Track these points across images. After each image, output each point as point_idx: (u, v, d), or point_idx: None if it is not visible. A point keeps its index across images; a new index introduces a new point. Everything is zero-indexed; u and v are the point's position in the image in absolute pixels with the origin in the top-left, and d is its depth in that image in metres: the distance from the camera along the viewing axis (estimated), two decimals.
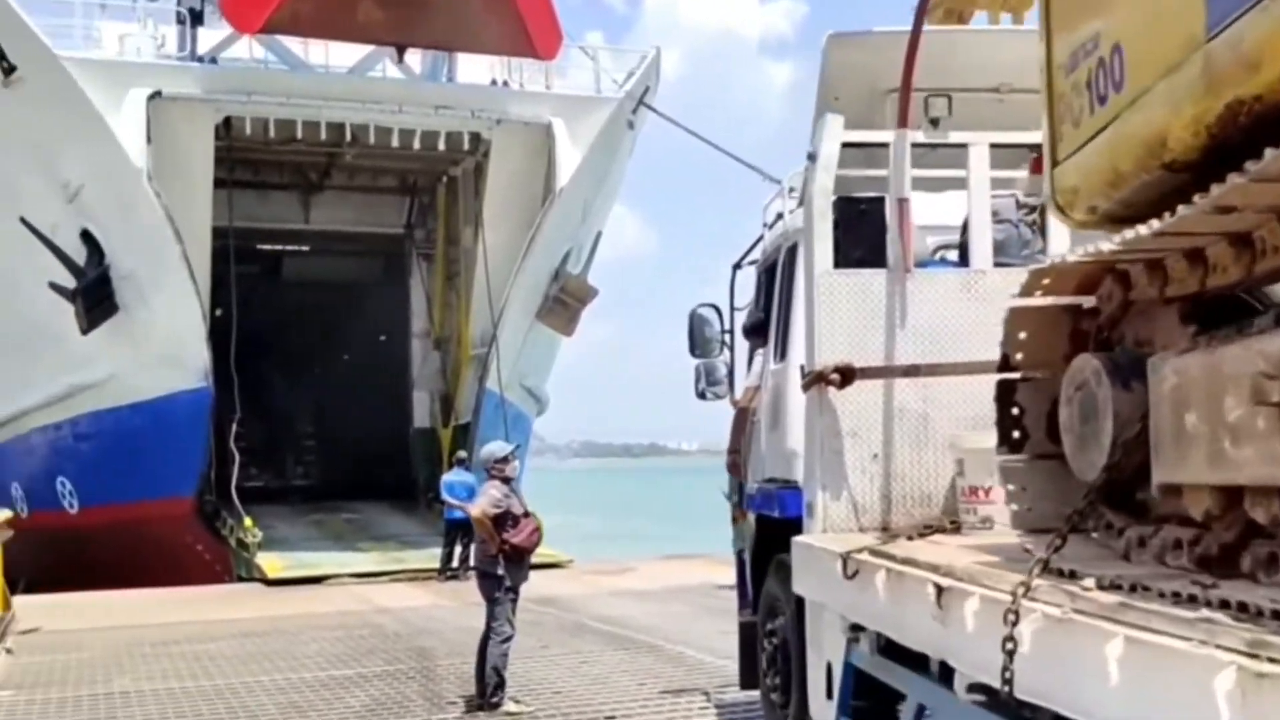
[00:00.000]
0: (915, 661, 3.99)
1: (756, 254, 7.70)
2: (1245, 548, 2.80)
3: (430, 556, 17.91)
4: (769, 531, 6.66)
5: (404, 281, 25.61)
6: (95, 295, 19.16)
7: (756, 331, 7.14)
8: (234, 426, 19.76)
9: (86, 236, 19.28)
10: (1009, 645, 2.90)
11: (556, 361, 25.89)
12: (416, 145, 20.38)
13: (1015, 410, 3.93)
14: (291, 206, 24.57)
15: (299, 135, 19.78)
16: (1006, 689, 2.96)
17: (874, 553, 4.19)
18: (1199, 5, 2.86)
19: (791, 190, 7.00)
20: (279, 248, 26.73)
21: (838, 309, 5.24)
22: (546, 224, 20.92)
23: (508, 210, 21.44)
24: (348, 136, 20.21)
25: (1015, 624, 2.90)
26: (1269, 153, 2.41)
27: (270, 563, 17.56)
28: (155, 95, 18.34)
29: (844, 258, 5.47)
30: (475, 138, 20.91)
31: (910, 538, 4.51)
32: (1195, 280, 3.12)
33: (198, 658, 10.73)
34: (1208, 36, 2.82)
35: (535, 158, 21.20)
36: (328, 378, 28.71)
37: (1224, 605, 2.50)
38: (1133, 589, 2.80)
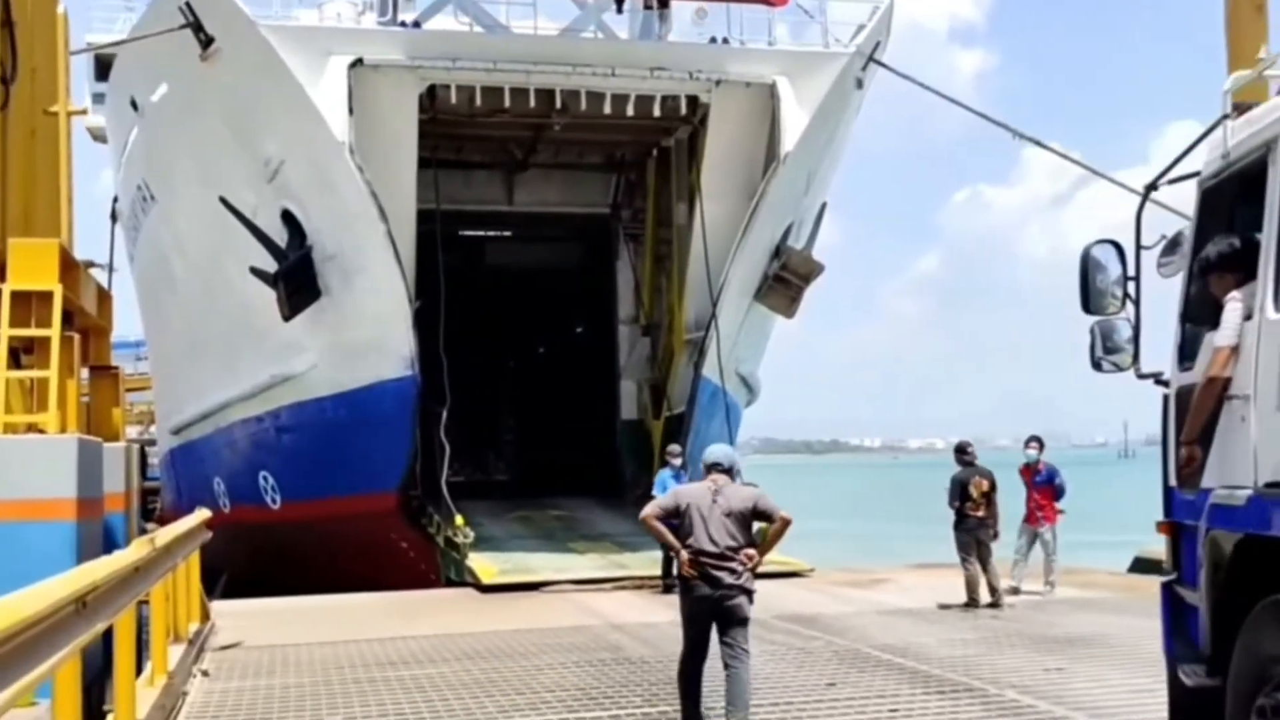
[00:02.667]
0: None
1: (1193, 165, 5.51)
2: None
3: (650, 561, 16.14)
4: (1261, 560, 4.51)
5: (609, 265, 24.00)
6: (297, 279, 18.06)
7: (1227, 267, 4.95)
8: (443, 417, 18.42)
9: (287, 217, 18.22)
10: None
11: None
12: (630, 111, 18.67)
13: None
14: (494, 187, 23.22)
15: (506, 104, 18.26)
16: None
17: None
18: None
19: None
20: (481, 234, 25.52)
21: None
22: (770, 194, 19.01)
23: (726, 181, 19.66)
24: (558, 104, 18.58)
25: None
26: None
27: (484, 566, 15.98)
28: (357, 63, 17.09)
29: None
30: (693, 101, 19.12)
31: None
32: None
33: (420, 686, 9.09)
34: None
35: (757, 122, 19.35)
36: (529, 368, 27.58)
37: None
38: None
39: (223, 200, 18.47)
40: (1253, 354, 4.66)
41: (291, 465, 20.68)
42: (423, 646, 10.88)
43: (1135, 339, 5.77)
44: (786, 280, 20.49)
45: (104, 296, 15.94)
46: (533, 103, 18.34)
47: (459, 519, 17.10)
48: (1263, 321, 4.60)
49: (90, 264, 16.07)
